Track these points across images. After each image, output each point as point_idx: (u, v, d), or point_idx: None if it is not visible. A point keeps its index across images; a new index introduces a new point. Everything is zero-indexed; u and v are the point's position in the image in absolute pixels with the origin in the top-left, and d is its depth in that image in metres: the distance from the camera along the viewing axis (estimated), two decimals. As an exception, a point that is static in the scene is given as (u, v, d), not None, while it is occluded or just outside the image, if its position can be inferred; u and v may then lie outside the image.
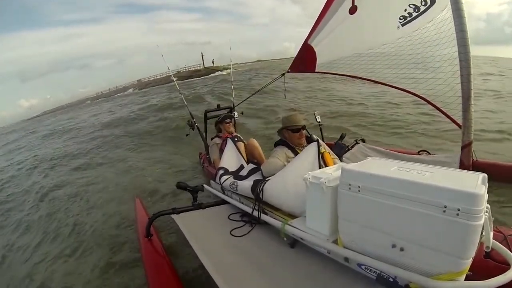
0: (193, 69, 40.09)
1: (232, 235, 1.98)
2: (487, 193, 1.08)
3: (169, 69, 5.53)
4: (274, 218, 1.90)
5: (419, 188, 1.04)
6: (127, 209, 3.67)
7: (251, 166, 2.68)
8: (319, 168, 2.01)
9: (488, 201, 1.08)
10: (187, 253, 2.33)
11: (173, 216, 2.27)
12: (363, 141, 3.73)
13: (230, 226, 2.11)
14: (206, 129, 4.69)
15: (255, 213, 2.06)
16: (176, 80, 5.52)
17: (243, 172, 2.66)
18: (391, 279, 1.17)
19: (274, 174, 2.19)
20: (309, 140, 2.44)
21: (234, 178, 2.59)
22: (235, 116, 4.40)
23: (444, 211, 0.98)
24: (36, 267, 2.97)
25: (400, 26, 2.46)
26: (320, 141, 2.33)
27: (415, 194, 1.05)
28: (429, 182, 1.04)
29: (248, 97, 4.74)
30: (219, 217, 2.31)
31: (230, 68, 5.62)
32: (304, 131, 2.43)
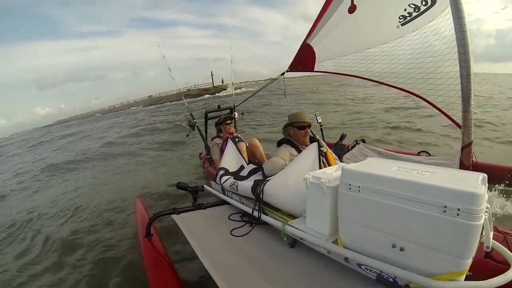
0: (202, 87, 41.61)
1: (232, 235, 1.98)
2: (487, 193, 1.08)
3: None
4: (274, 218, 1.90)
5: (419, 188, 1.04)
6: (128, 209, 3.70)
7: (252, 166, 2.68)
8: (320, 168, 2.01)
9: (488, 203, 1.08)
10: (187, 253, 2.34)
11: (173, 216, 2.27)
12: (363, 141, 3.73)
13: (230, 226, 2.11)
14: (206, 129, 4.69)
15: (255, 213, 2.06)
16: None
17: (244, 173, 2.66)
18: (391, 279, 1.17)
19: (276, 173, 2.19)
20: (312, 140, 2.44)
21: (235, 179, 2.59)
22: (236, 116, 4.41)
23: (444, 211, 0.97)
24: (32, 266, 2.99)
25: (400, 25, 2.45)
26: (321, 141, 2.33)
27: (415, 194, 1.05)
28: (429, 182, 1.04)
29: (247, 98, 4.73)
30: (219, 218, 2.31)
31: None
32: (309, 130, 2.43)
